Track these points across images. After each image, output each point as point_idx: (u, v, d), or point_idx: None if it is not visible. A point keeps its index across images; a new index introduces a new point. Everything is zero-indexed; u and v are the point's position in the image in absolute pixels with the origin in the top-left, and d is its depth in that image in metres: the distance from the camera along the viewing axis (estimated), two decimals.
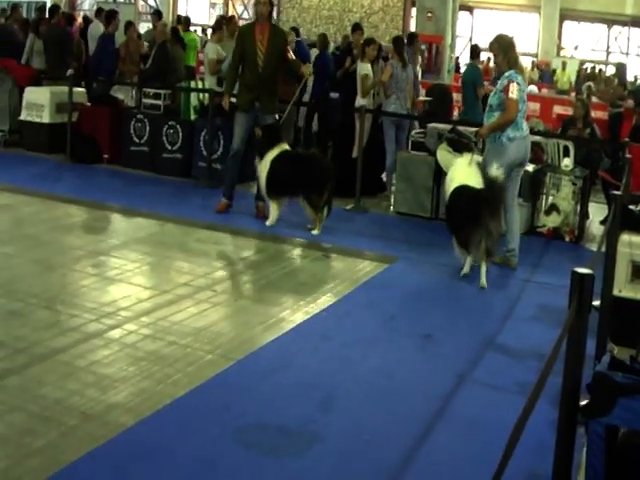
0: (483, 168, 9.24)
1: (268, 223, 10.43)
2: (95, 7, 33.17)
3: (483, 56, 24.84)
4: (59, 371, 5.96)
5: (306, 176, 10.24)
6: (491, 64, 22.53)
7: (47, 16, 16.72)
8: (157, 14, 19.99)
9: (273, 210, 10.45)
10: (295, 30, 24.54)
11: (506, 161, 9.29)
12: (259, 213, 10.90)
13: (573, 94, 26.85)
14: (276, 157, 10.30)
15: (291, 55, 11.30)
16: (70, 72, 14.62)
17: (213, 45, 14.66)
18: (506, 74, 9.34)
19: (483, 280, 8.73)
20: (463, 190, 9.03)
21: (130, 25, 16.52)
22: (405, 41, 14.50)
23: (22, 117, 14.75)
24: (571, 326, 3.44)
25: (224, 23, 15.78)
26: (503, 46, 9.48)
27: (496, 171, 8.81)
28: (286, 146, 10.63)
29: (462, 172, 9.27)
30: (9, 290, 7.58)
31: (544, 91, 28.45)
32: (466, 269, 9.04)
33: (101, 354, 6.30)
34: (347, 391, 5.94)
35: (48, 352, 6.25)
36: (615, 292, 6.41)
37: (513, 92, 9.19)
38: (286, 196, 10.48)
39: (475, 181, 9.03)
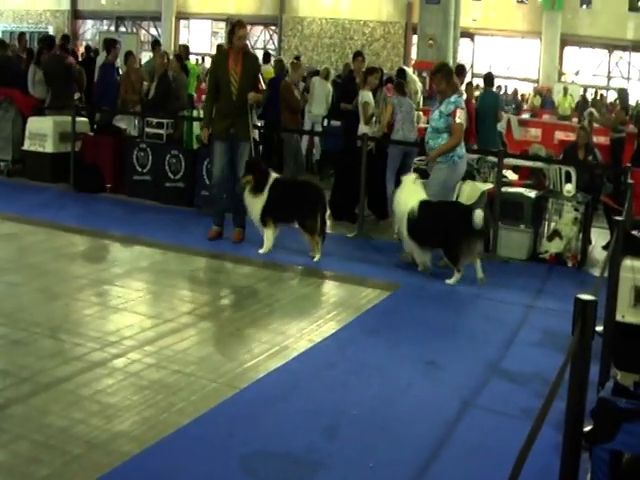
0: (440, 187, 10.21)
1: (262, 251, 10.48)
2: (97, 37, 33.43)
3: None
4: (63, 400, 5.96)
5: (299, 202, 10.37)
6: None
7: (46, 46, 16.81)
8: (156, 44, 20.09)
9: (267, 238, 10.51)
10: (296, 58, 24.71)
11: (459, 177, 10.59)
12: (212, 235, 11.09)
13: (575, 119, 26.92)
14: (271, 186, 10.38)
15: (262, 86, 11.61)
16: (77, 97, 14.69)
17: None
18: (452, 99, 10.16)
19: (482, 274, 9.74)
20: (443, 205, 10.03)
21: (130, 55, 16.64)
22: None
23: (25, 147, 14.83)
24: (574, 352, 3.45)
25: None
26: (447, 74, 10.24)
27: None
28: (275, 174, 10.68)
29: (414, 189, 10.06)
30: (13, 319, 7.59)
31: (545, 117, 28.53)
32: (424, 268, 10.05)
33: (105, 383, 6.30)
34: (351, 418, 5.93)
35: (52, 381, 6.26)
36: (618, 317, 6.41)
37: (460, 117, 10.17)
38: (280, 223, 10.57)
39: (424, 197, 9.94)
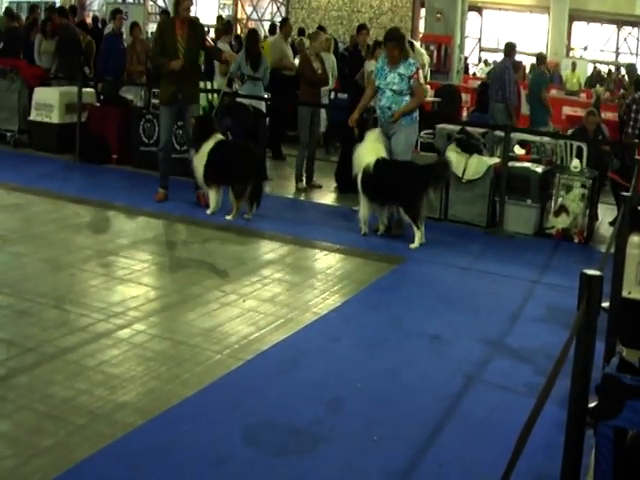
0: (408, 147, 10.60)
1: (209, 212, 10.83)
2: (104, 7, 33.28)
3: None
4: (68, 370, 5.96)
5: (233, 165, 10.58)
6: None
7: (56, 16, 16.73)
8: (165, 14, 20.01)
9: (211, 199, 10.83)
10: (301, 31, 24.59)
11: (417, 135, 11.17)
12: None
13: (583, 95, 26.79)
14: (212, 148, 10.63)
15: (209, 43, 11.93)
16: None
17: (223, 46, 14.66)
18: (411, 61, 10.54)
19: (422, 239, 10.05)
20: (401, 164, 10.30)
21: (135, 25, 16.58)
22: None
23: (31, 117, 14.79)
24: (580, 328, 3.44)
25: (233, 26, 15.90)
26: (400, 40, 10.46)
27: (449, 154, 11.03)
28: (220, 136, 10.92)
29: (374, 146, 10.26)
30: (18, 290, 7.60)
31: (553, 92, 28.37)
32: (365, 229, 10.42)
33: (110, 354, 6.30)
34: (355, 392, 5.93)
35: (57, 351, 6.26)
36: (624, 294, 6.38)
37: (420, 77, 10.81)
38: (221, 185, 10.83)
39: (382, 154, 10.19)
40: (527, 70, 28.64)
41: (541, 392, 2.99)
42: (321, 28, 17.79)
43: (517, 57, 16.65)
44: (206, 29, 17.93)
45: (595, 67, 35.54)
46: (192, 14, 12.04)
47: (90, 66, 17.00)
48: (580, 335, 3.48)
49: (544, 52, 18.52)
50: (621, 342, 6.39)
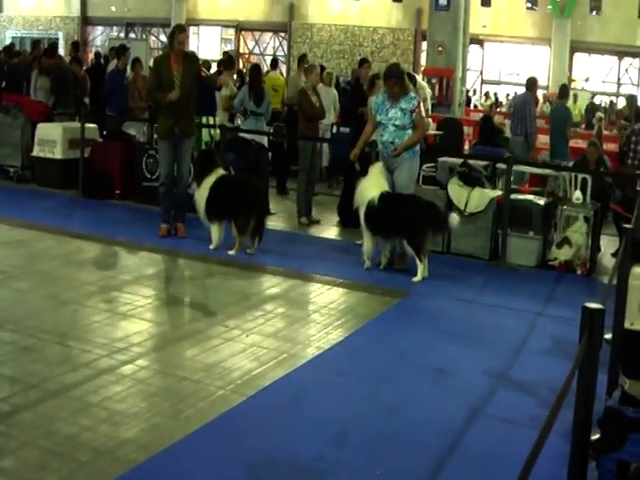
0: (411, 181, 10.66)
1: (211, 247, 10.80)
2: (107, 43, 33.50)
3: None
4: (71, 407, 5.95)
5: (235, 200, 10.60)
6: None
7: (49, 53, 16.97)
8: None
9: (213, 234, 10.81)
10: (301, 58, 24.58)
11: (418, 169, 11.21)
12: (177, 232, 11.56)
13: (583, 126, 26.82)
14: (214, 182, 10.65)
15: (204, 72, 11.88)
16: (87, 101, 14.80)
17: (225, 77, 14.73)
18: (412, 95, 10.62)
19: (425, 273, 10.02)
20: (406, 197, 10.31)
21: (137, 61, 16.68)
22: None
23: (34, 153, 14.86)
24: (582, 361, 3.44)
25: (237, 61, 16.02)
26: (400, 76, 10.50)
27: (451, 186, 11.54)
28: (222, 171, 10.92)
29: (378, 180, 10.27)
30: (22, 326, 7.59)
31: None
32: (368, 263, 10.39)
33: (113, 390, 6.30)
34: (360, 427, 5.93)
35: (60, 388, 6.25)
36: (627, 325, 6.38)
37: (422, 111, 10.78)
38: (224, 219, 10.81)
39: (385, 188, 10.23)
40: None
41: (544, 424, 3.00)
42: (302, 57, 17.88)
43: (517, 89, 16.74)
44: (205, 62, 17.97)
45: (592, 98, 35.56)
46: (196, 50, 12.13)
47: (83, 101, 17.07)
48: (582, 368, 3.49)
49: (566, 83, 18.51)
50: (624, 373, 6.38)
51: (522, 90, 17.22)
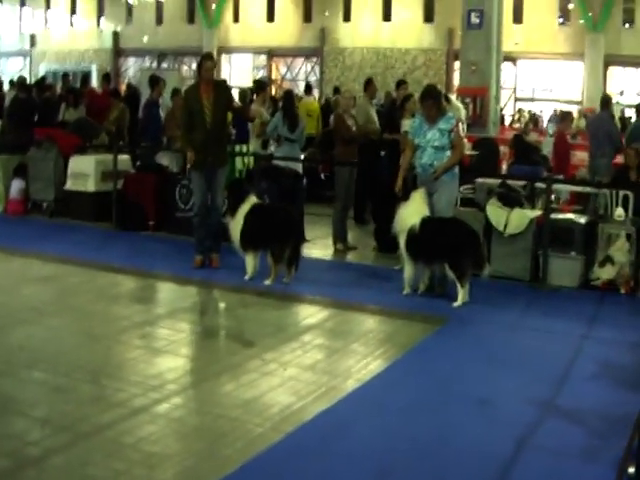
0: (451, 203, 10.55)
1: (247, 277, 10.58)
2: (139, 74, 33.63)
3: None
4: (104, 449, 5.80)
5: (271, 229, 10.41)
6: None
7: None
8: None
9: (248, 263, 10.58)
10: (336, 89, 24.58)
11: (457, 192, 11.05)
12: (212, 263, 11.34)
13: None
14: (248, 211, 10.49)
15: (236, 103, 11.95)
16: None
17: (257, 108, 14.62)
18: (450, 115, 10.57)
19: (466, 297, 9.79)
20: (447, 221, 10.20)
21: (177, 92, 16.59)
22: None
23: (67, 186, 14.79)
24: None
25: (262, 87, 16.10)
26: (437, 97, 10.43)
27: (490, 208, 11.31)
28: (255, 199, 10.76)
29: (418, 207, 10.08)
30: (55, 365, 7.47)
31: None
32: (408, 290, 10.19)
33: (147, 430, 6.13)
34: (403, 461, 5.71)
35: (93, 429, 6.10)
36: None
37: (460, 130, 10.89)
38: (259, 249, 10.59)
39: (426, 213, 10.08)
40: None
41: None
42: (337, 90, 17.71)
43: (551, 105, 16.58)
44: (242, 92, 17.94)
45: (622, 111, 35.18)
46: (228, 78, 12.04)
47: (124, 134, 17.05)
48: None
49: (579, 99, 18.32)
50: None
51: (553, 105, 17.02)
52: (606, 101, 16.37)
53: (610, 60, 40.59)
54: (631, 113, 35.23)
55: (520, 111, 38.33)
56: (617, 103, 37.38)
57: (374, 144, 14.03)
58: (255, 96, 16.14)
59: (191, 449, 5.84)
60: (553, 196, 11.91)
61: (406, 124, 12.87)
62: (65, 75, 23.00)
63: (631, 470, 3.72)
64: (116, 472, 5.44)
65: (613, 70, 41.78)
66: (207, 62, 11.08)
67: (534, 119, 34.13)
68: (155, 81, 16.85)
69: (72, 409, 6.47)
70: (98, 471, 5.45)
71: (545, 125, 34.15)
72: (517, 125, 33.06)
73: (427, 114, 10.30)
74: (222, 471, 5.45)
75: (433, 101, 10.27)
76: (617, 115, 32.65)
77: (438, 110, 10.28)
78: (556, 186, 12.04)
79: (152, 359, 7.82)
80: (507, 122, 35.20)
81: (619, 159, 15.56)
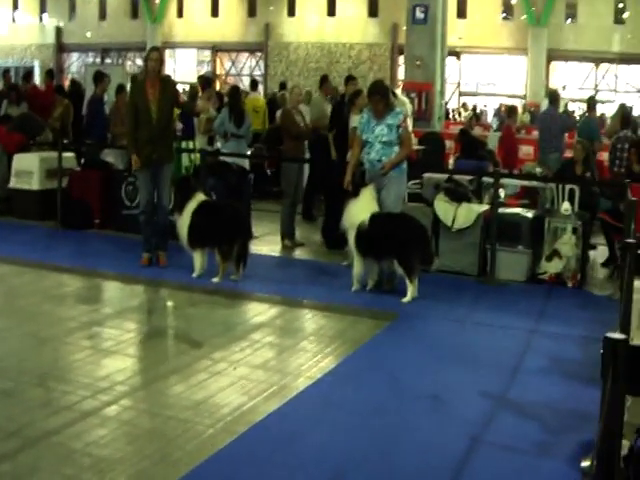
0: (399, 199, 10.54)
1: (194, 275, 10.49)
2: (83, 69, 33.27)
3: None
4: (53, 454, 5.67)
5: (219, 226, 10.33)
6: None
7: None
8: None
9: (196, 261, 10.52)
10: (282, 84, 24.55)
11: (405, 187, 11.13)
12: (159, 261, 11.28)
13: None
14: (195, 209, 10.40)
15: (182, 98, 11.79)
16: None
17: (203, 104, 14.49)
18: (398, 110, 10.54)
19: (415, 293, 9.78)
20: (396, 217, 10.17)
21: (122, 89, 16.42)
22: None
23: (11, 184, 14.56)
24: (609, 401, 3.18)
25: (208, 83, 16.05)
26: (385, 92, 10.42)
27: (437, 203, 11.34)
28: (203, 196, 10.69)
29: (368, 203, 10.04)
30: (0, 368, 7.31)
31: (535, 133, 28.29)
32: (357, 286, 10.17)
33: (97, 434, 6.01)
34: (356, 462, 5.66)
35: (41, 434, 5.96)
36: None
37: (408, 126, 10.84)
38: (206, 246, 10.51)
39: (375, 209, 10.05)
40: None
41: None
42: (283, 86, 17.67)
43: (495, 100, 16.69)
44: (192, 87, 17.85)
45: (566, 105, 35.51)
46: (172, 73, 11.93)
47: (68, 130, 16.84)
48: (611, 407, 3.22)
49: (594, 96, 18.52)
50: (630, 392, 6.15)
51: (500, 100, 17.13)
52: (555, 97, 16.47)
53: (553, 55, 40.97)
54: (574, 107, 35.71)
55: (464, 105, 38.58)
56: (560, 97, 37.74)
57: (325, 140, 13.95)
58: (201, 91, 16.05)
59: (142, 452, 5.73)
60: (501, 190, 11.95)
61: (355, 120, 12.82)
62: (6, 71, 22.69)
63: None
64: (65, 477, 5.33)
65: (556, 65, 42.16)
66: (153, 52, 10.99)
67: (477, 114, 34.37)
68: (99, 77, 16.68)
69: (19, 414, 6.32)
70: (47, 477, 5.34)
71: (490, 119, 34.41)
72: (459, 119, 33.26)
73: (375, 109, 10.28)
74: (173, 474, 5.37)
75: (380, 96, 10.24)
76: (561, 109, 32.97)
77: (386, 105, 10.25)
78: (503, 180, 12.07)
79: (100, 360, 7.68)
80: (450, 117, 35.34)
81: (569, 153, 15.72)
